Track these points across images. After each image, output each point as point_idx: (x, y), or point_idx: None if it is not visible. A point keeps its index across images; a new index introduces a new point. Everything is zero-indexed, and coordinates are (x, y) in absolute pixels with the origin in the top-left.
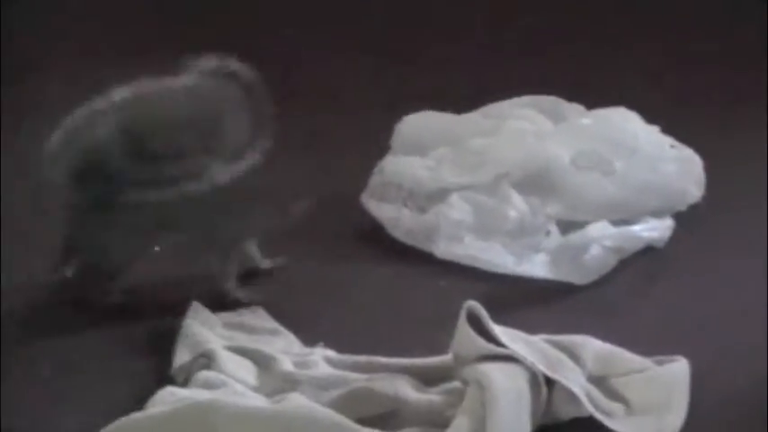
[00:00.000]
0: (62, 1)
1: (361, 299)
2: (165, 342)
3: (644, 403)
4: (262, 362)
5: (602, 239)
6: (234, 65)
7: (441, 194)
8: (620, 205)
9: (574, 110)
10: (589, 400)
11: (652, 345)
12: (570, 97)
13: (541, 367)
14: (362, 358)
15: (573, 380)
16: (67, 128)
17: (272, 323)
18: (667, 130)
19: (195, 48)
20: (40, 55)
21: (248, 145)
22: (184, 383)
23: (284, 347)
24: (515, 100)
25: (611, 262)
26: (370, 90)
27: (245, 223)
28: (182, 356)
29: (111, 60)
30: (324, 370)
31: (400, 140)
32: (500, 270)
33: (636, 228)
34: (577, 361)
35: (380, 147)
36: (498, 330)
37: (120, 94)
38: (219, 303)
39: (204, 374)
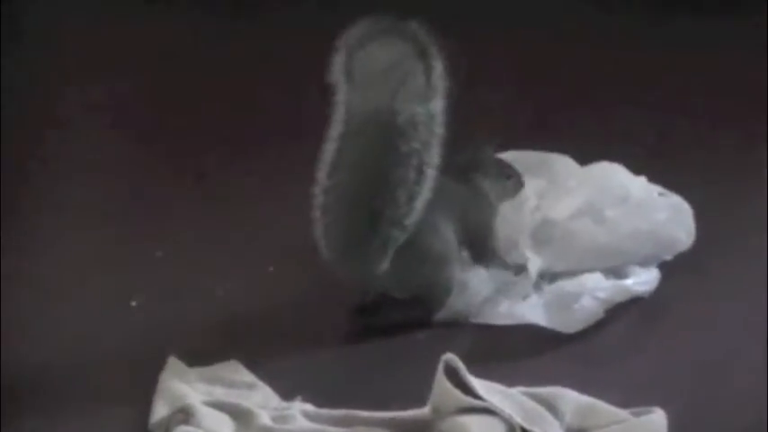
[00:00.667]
0: None
1: (339, 351)
2: (142, 397)
3: None
4: (240, 416)
5: (595, 291)
6: None
7: None
8: (612, 253)
9: (562, 162)
10: None
11: (639, 395)
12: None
13: (519, 420)
14: (341, 412)
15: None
16: None
17: (249, 376)
18: (653, 179)
19: None
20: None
21: None
22: None
23: (262, 401)
24: (505, 154)
25: (599, 312)
26: None
27: None
28: (160, 411)
29: None
30: (302, 424)
31: None
32: (502, 322)
33: (628, 281)
34: (556, 413)
35: None
36: (476, 383)
37: None
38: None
39: (182, 429)
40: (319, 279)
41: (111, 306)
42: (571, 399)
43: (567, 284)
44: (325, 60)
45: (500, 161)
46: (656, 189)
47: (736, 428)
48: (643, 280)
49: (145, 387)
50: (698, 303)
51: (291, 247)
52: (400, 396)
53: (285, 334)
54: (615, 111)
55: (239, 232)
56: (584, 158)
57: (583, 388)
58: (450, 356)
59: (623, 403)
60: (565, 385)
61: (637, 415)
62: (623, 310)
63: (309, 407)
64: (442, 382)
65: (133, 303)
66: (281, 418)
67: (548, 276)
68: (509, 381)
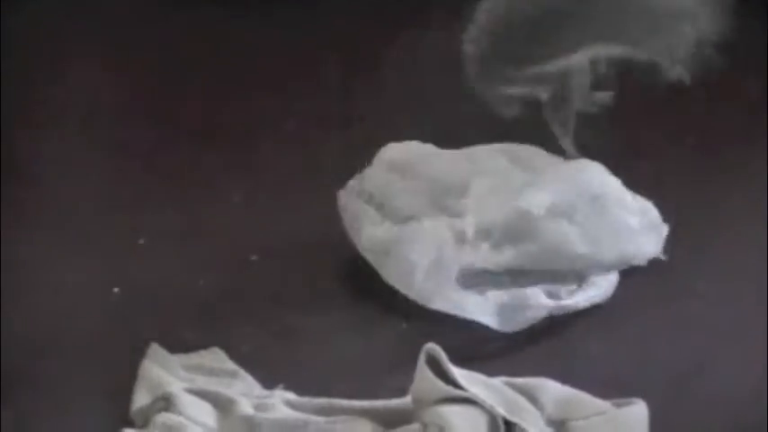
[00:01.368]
0: None
1: (321, 340)
2: (123, 384)
3: None
4: (221, 404)
5: (538, 308)
6: None
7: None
8: (579, 257)
9: (550, 161)
10: None
11: (617, 389)
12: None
13: (500, 410)
14: (323, 401)
15: (532, 423)
16: None
17: (231, 365)
18: (626, 183)
19: None
20: None
21: None
22: (143, 426)
23: (244, 390)
24: (493, 146)
25: (544, 315)
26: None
27: None
28: (141, 399)
29: None
30: (284, 413)
31: (379, 168)
32: (448, 310)
33: (570, 302)
34: (536, 404)
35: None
36: (458, 373)
37: None
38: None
39: (164, 417)
40: (302, 268)
41: (93, 293)
42: (552, 390)
43: (508, 294)
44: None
45: None
46: (629, 194)
47: (716, 420)
48: (590, 295)
49: (126, 374)
50: (661, 307)
51: (274, 236)
52: (382, 385)
53: (266, 323)
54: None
55: (222, 221)
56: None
57: (563, 381)
58: (431, 346)
59: (603, 396)
60: (546, 376)
61: (618, 406)
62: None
63: (291, 395)
64: (423, 372)
65: (116, 290)
66: (262, 407)
67: (512, 273)
68: (490, 371)
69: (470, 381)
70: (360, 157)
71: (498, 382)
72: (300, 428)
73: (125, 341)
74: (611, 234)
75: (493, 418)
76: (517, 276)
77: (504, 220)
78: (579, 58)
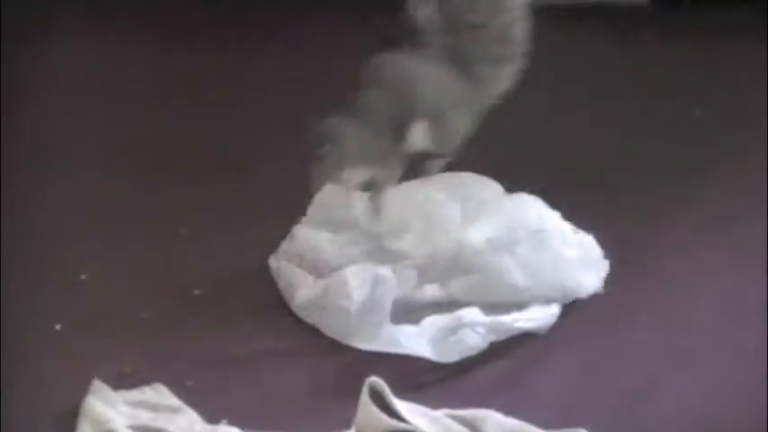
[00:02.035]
0: None
1: (265, 373)
2: (66, 420)
3: None
4: None
5: (473, 326)
6: None
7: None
8: (517, 290)
9: (488, 186)
10: None
11: (561, 418)
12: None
13: None
14: None
15: None
16: None
17: (174, 400)
18: (565, 216)
19: None
20: None
21: None
22: None
23: (187, 425)
24: (430, 179)
25: (481, 346)
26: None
27: None
28: None
29: None
30: None
31: (316, 210)
32: (379, 348)
33: (508, 319)
34: None
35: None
36: (401, 406)
37: None
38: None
39: None
40: (245, 302)
41: (35, 329)
42: (496, 421)
43: (444, 318)
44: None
45: None
46: (569, 227)
47: None
48: (527, 317)
49: (69, 411)
50: (604, 337)
51: (217, 270)
52: (327, 417)
53: (210, 357)
54: (546, 146)
55: (165, 255)
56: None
57: (506, 412)
58: (374, 380)
59: (547, 426)
60: (490, 407)
61: None
62: (517, 344)
63: (236, 430)
64: (366, 406)
65: (57, 327)
66: None
67: (446, 304)
68: (432, 402)
69: (414, 413)
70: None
71: (441, 414)
72: None
73: (68, 377)
74: (552, 268)
75: None
76: (457, 308)
77: (445, 253)
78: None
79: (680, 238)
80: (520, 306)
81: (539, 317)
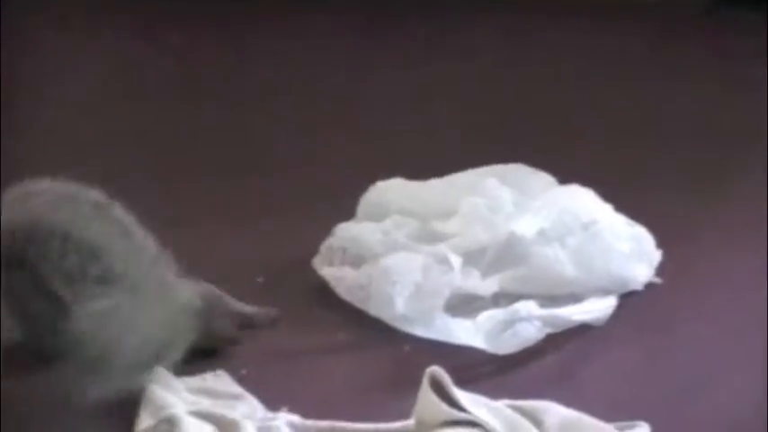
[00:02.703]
0: None
1: (325, 363)
2: (128, 406)
3: None
4: (225, 427)
5: (530, 319)
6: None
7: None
8: (569, 282)
9: (541, 178)
10: None
11: (620, 412)
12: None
13: None
14: (326, 424)
15: None
16: None
17: (235, 388)
18: (620, 208)
19: None
20: None
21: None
22: None
23: (248, 412)
24: (481, 170)
25: (538, 337)
26: (346, 154)
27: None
28: (144, 421)
29: None
30: None
31: (365, 207)
32: (432, 336)
33: (564, 312)
34: (540, 427)
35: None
36: (461, 395)
37: None
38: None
39: None
40: (307, 292)
41: None
42: (556, 413)
43: (500, 312)
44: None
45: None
46: (622, 219)
47: None
48: (584, 309)
49: (131, 396)
50: (662, 329)
51: (279, 261)
52: (385, 408)
53: (272, 345)
54: (594, 136)
55: (232, 241)
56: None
57: (564, 403)
58: (435, 369)
59: (607, 419)
60: (549, 399)
61: (621, 429)
62: (574, 337)
63: (296, 418)
64: (426, 395)
65: None
66: (266, 429)
67: (502, 297)
68: (493, 394)
69: (474, 404)
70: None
71: (502, 404)
72: None
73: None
74: (603, 259)
75: None
76: (509, 301)
77: (495, 243)
78: None
79: (740, 232)
80: (576, 298)
81: (595, 309)
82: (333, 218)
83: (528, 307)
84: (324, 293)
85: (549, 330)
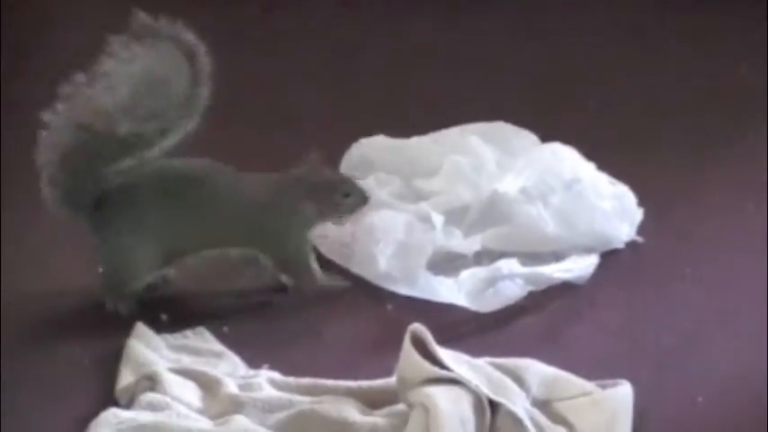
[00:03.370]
0: None
1: (306, 321)
2: (108, 363)
3: (588, 427)
4: (206, 384)
5: (512, 277)
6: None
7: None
8: (552, 240)
9: (524, 137)
10: (533, 424)
11: (602, 370)
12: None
13: (485, 390)
14: (307, 381)
15: (517, 403)
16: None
17: (216, 345)
18: (602, 168)
19: None
20: None
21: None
22: (128, 405)
23: (229, 370)
24: (464, 127)
25: (519, 296)
26: (328, 111)
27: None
28: (125, 378)
29: None
30: (268, 392)
31: (348, 164)
32: (415, 294)
33: (546, 269)
34: (522, 384)
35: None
36: (443, 353)
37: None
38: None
39: (148, 396)
40: None
41: (79, 272)
42: (537, 370)
43: (482, 270)
44: None
45: (335, 180)
46: (604, 177)
47: (703, 399)
48: (566, 267)
49: (111, 353)
50: (646, 289)
51: None
52: (367, 365)
53: (252, 303)
54: (580, 96)
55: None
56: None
57: (547, 361)
58: (416, 326)
59: (589, 377)
60: (531, 357)
61: (603, 387)
62: (557, 295)
63: (276, 375)
64: (408, 353)
65: (100, 270)
66: (247, 386)
67: (485, 255)
68: (476, 352)
69: (456, 361)
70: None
71: (483, 362)
72: (285, 408)
73: (111, 320)
74: (586, 217)
75: (478, 398)
76: (492, 259)
77: (478, 202)
78: None
79: (723, 196)
80: (558, 257)
81: (577, 267)
82: None
83: (510, 265)
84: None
85: (531, 288)
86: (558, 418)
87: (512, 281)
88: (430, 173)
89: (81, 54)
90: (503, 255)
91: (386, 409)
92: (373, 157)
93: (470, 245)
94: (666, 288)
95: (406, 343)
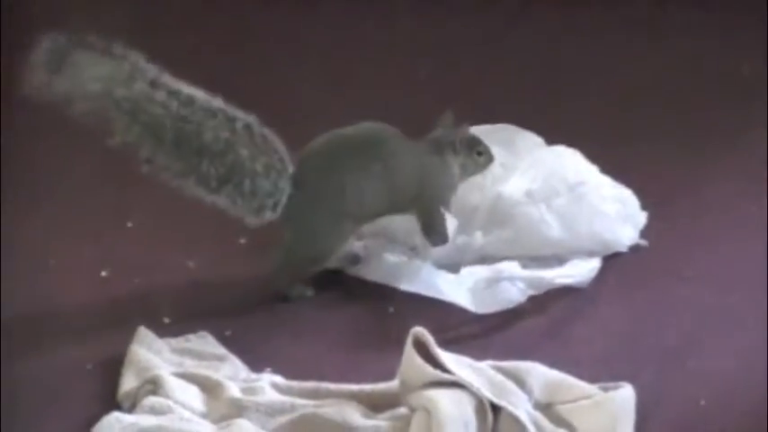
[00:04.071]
0: None
1: (309, 324)
2: (110, 367)
3: (590, 429)
4: (209, 388)
5: (512, 279)
6: None
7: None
8: (554, 244)
9: (528, 138)
10: (535, 427)
11: (605, 372)
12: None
13: (487, 393)
14: (310, 384)
15: (519, 406)
16: None
17: (219, 349)
18: (605, 169)
19: None
20: None
21: None
22: (131, 409)
23: (231, 373)
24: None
25: (519, 299)
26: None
27: None
28: (128, 382)
29: None
30: (271, 396)
31: None
32: (417, 290)
33: (547, 274)
34: (523, 387)
35: None
36: (444, 356)
37: None
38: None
39: (151, 400)
40: None
41: (81, 276)
42: (540, 373)
43: (483, 269)
44: None
45: (472, 138)
46: (607, 181)
47: (706, 400)
48: (566, 273)
49: (114, 358)
50: (647, 290)
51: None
52: (369, 368)
53: (255, 306)
54: (587, 98)
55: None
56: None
57: (548, 364)
58: (418, 330)
59: (591, 379)
60: (533, 359)
61: (605, 390)
62: (559, 298)
63: (279, 379)
64: (410, 356)
65: (103, 274)
66: (250, 390)
67: (483, 258)
68: (476, 355)
69: (458, 364)
70: None
71: (485, 365)
72: (287, 412)
73: (113, 324)
74: (589, 221)
75: (480, 401)
76: (494, 261)
77: (484, 204)
78: None
79: (724, 195)
80: (560, 260)
81: (578, 272)
82: None
83: (511, 267)
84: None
85: (532, 292)
86: (561, 421)
87: (512, 284)
88: None
89: None
90: (504, 258)
91: (388, 413)
92: None
93: (475, 244)
94: (668, 289)
95: (408, 346)
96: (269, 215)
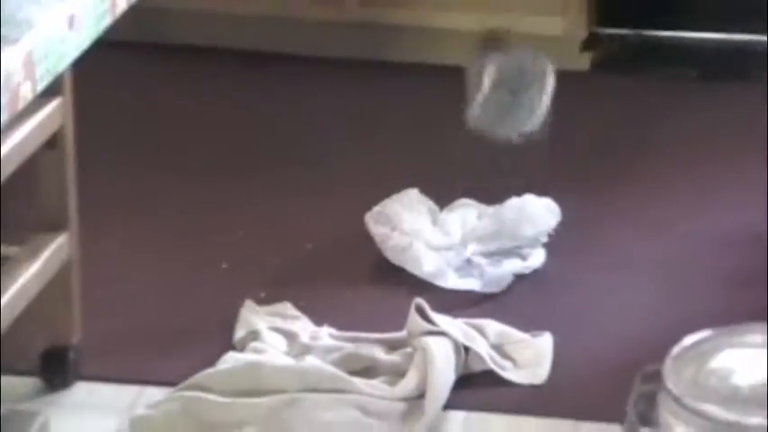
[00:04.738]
0: None
1: (354, 293)
2: (229, 324)
3: (524, 361)
4: (289, 336)
5: (512, 268)
6: None
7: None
8: (500, 235)
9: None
10: (491, 359)
11: (536, 327)
12: None
13: (461, 339)
14: (351, 334)
15: (481, 346)
16: None
17: (295, 311)
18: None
19: None
20: None
21: None
22: (241, 350)
23: (303, 327)
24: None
25: (508, 279)
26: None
27: None
28: (239, 333)
29: None
30: (328, 341)
31: (397, 198)
32: (439, 282)
33: (517, 263)
34: (483, 334)
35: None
36: (435, 317)
37: None
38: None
39: (253, 345)
40: (346, 257)
41: (205, 267)
42: (494, 326)
43: (489, 264)
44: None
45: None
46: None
47: (591, 351)
48: (523, 266)
49: (230, 320)
50: (580, 272)
51: (325, 232)
52: (390, 324)
53: (317, 286)
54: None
55: (292, 219)
56: None
57: (502, 321)
58: (419, 300)
59: (525, 330)
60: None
61: (534, 336)
62: (525, 279)
63: (333, 331)
64: (413, 316)
65: (224, 266)
66: (314, 338)
67: (480, 254)
68: (455, 315)
69: (442, 321)
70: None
71: (460, 322)
72: (338, 351)
73: (230, 299)
74: (520, 215)
75: (456, 343)
76: (488, 255)
77: (484, 227)
78: None
79: (627, 204)
80: (516, 254)
81: (537, 260)
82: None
83: (512, 263)
84: (366, 252)
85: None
86: (507, 356)
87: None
88: (447, 210)
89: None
90: (493, 253)
91: (401, 351)
92: (408, 203)
93: (481, 249)
94: (592, 274)
95: (412, 310)
96: None
